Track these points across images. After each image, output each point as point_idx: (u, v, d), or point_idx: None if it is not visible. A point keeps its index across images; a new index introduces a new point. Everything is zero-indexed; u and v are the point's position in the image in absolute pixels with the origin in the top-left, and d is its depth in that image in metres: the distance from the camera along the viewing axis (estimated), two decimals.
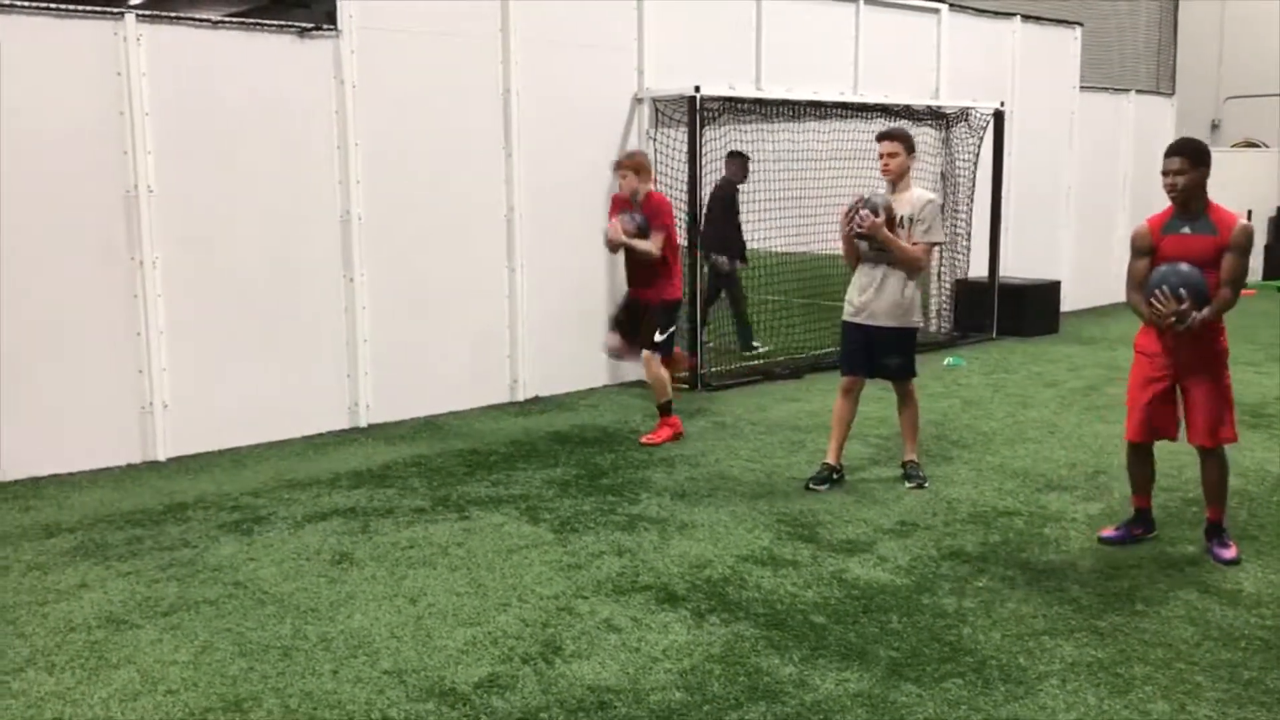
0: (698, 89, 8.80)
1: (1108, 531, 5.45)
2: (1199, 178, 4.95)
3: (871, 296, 6.24)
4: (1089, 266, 13.73)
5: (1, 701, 3.81)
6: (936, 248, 6.38)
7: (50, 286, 6.51)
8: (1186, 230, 4.99)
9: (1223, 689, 3.93)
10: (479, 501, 6.08)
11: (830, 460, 6.43)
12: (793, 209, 9.91)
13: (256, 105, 7.15)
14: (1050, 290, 12.32)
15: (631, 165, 7.26)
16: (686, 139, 8.96)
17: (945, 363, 10.23)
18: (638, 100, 9.13)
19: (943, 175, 11.46)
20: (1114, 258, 14.33)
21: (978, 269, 11.78)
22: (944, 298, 11.76)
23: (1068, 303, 12.92)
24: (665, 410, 7.40)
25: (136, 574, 5.00)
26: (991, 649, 4.24)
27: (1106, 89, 14.26)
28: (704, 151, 9.00)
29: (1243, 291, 5.04)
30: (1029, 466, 6.72)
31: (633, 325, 7.43)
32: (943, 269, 11.68)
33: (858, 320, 6.33)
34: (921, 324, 6.57)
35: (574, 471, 6.64)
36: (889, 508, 5.96)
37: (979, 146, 11.52)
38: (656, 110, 9.13)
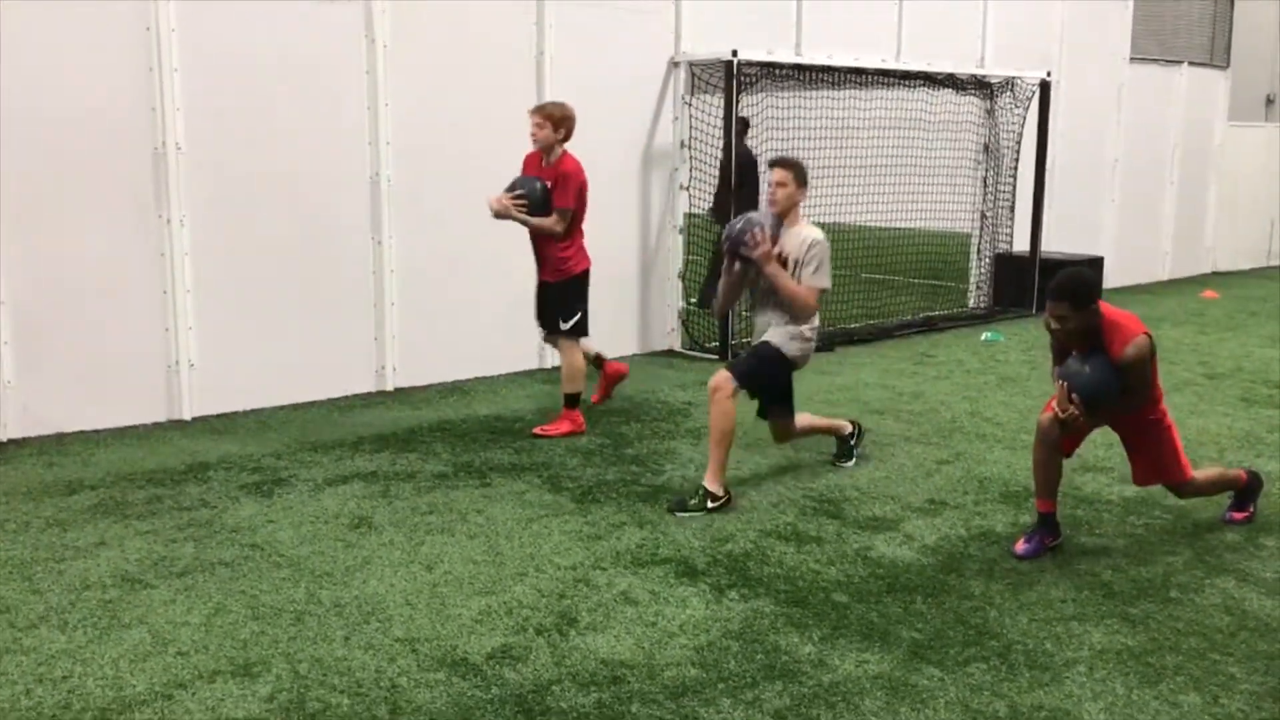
0: (735, 53, 8.63)
1: (1021, 545, 4.89)
2: (1085, 320, 4.56)
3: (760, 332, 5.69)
4: (1133, 243, 13.44)
5: (13, 658, 3.80)
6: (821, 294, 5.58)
7: (79, 243, 6.49)
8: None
9: (1258, 681, 3.79)
10: (501, 468, 6.02)
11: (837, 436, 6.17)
12: (829, 179, 9.73)
13: (287, 63, 7.07)
14: (1092, 266, 12.03)
15: (548, 114, 6.30)
16: (722, 105, 8.79)
17: (983, 337, 10.05)
18: (674, 64, 8.97)
19: (985, 147, 11.22)
20: (1160, 234, 14.04)
21: (1019, 243, 11.54)
22: (984, 271, 11.55)
23: (1110, 279, 12.61)
24: (571, 403, 6.63)
25: (154, 533, 4.98)
26: (1018, 633, 4.13)
27: (1158, 60, 13.89)
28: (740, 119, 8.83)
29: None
30: None
31: (543, 312, 6.69)
32: (983, 241, 11.46)
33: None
34: (798, 360, 5.66)
35: (598, 440, 6.55)
36: (918, 485, 5.84)
37: (1024, 117, 11.26)
38: (693, 75, 8.97)
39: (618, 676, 3.76)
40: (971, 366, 8.79)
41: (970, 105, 11.00)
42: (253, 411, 7.09)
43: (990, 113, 11.16)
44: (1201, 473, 5.13)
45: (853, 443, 6.17)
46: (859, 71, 9.79)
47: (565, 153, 6.35)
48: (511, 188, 6.31)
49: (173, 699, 3.55)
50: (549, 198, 6.28)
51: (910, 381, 8.17)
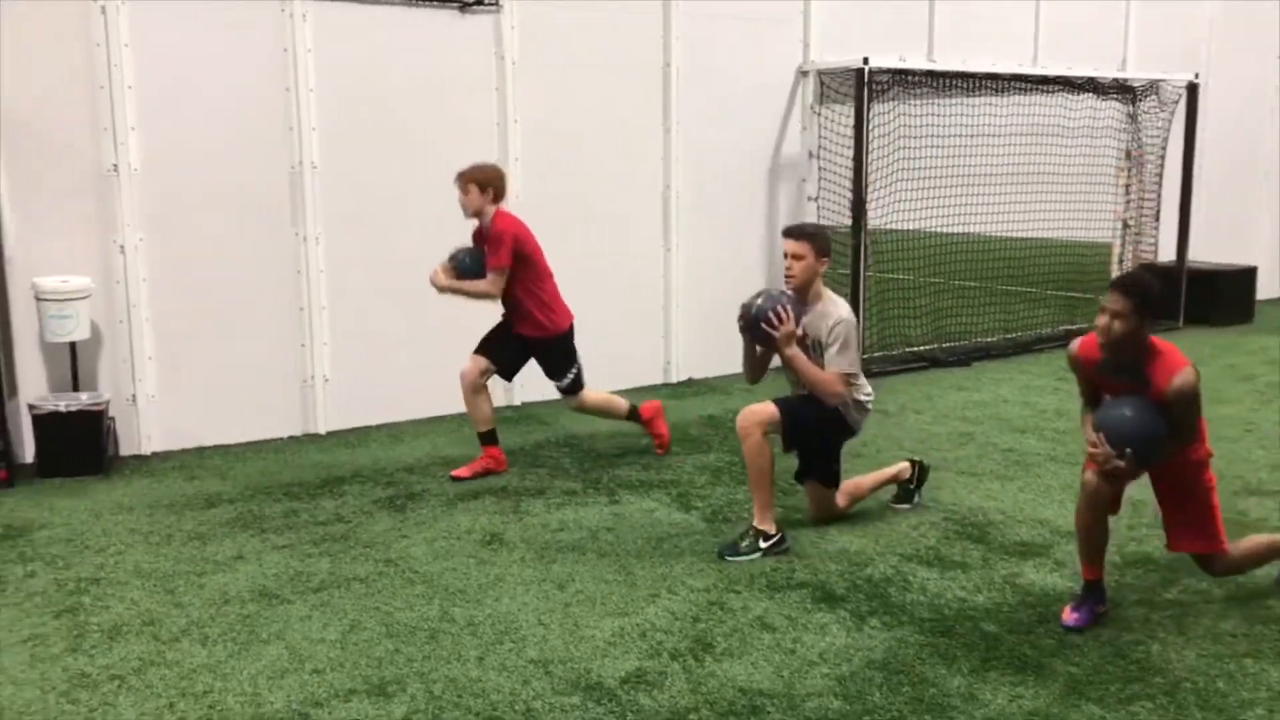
0: (866, 61, 8.43)
1: (1070, 616, 4.25)
2: (1138, 330, 3.95)
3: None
4: None
5: (157, 670, 3.84)
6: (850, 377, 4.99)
7: (219, 260, 6.65)
8: (1123, 378, 4.08)
9: None
10: (629, 485, 5.93)
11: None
12: (963, 189, 9.44)
13: (417, 82, 7.14)
14: (1245, 276, 11.43)
15: (474, 177, 5.78)
16: (853, 114, 8.60)
17: None
18: (802, 73, 8.82)
19: (1127, 153, 10.76)
20: None
21: (1165, 252, 11.02)
22: None
23: (1264, 290, 11.99)
24: (633, 415, 6.33)
25: (291, 548, 5.02)
26: (1185, 670, 3.85)
27: None
28: (871, 128, 8.62)
29: None
30: (1223, 468, 6.16)
31: (499, 347, 6.07)
32: (1125, 251, 10.98)
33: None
34: (855, 427, 5.17)
35: (727, 458, 6.42)
36: (1066, 508, 5.54)
37: (1169, 122, 10.75)
38: (821, 84, 8.79)
39: (757, 706, 3.62)
40: None
41: (1112, 110, 10.56)
42: (386, 425, 7.16)
43: (1133, 117, 10.70)
44: (1246, 543, 4.39)
45: (912, 485, 5.59)
46: (994, 77, 9.48)
47: (497, 212, 5.84)
48: (449, 257, 5.92)
49: (309, 717, 3.53)
50: (480, 262, 5.81)
51: (1053, 398, 7.82)
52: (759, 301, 4.98)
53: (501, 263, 5.75)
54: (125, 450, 6.51)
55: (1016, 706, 3.61)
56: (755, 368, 5.25)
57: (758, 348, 5.16)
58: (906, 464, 5.63)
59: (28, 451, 6.22)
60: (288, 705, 3.61)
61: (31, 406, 6.07)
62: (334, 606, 4.38)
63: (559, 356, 6.10)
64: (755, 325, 4.96)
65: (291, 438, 6.92)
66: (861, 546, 5.02)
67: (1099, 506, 4.18)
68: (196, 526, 5.31)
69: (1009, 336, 10.07)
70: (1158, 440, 3.99)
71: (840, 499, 5.33)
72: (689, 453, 6.54)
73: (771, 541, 4.95)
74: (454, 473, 6.06)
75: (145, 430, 6.55)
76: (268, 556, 4.91)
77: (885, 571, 4.74)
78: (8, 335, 6.16)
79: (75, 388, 6.27)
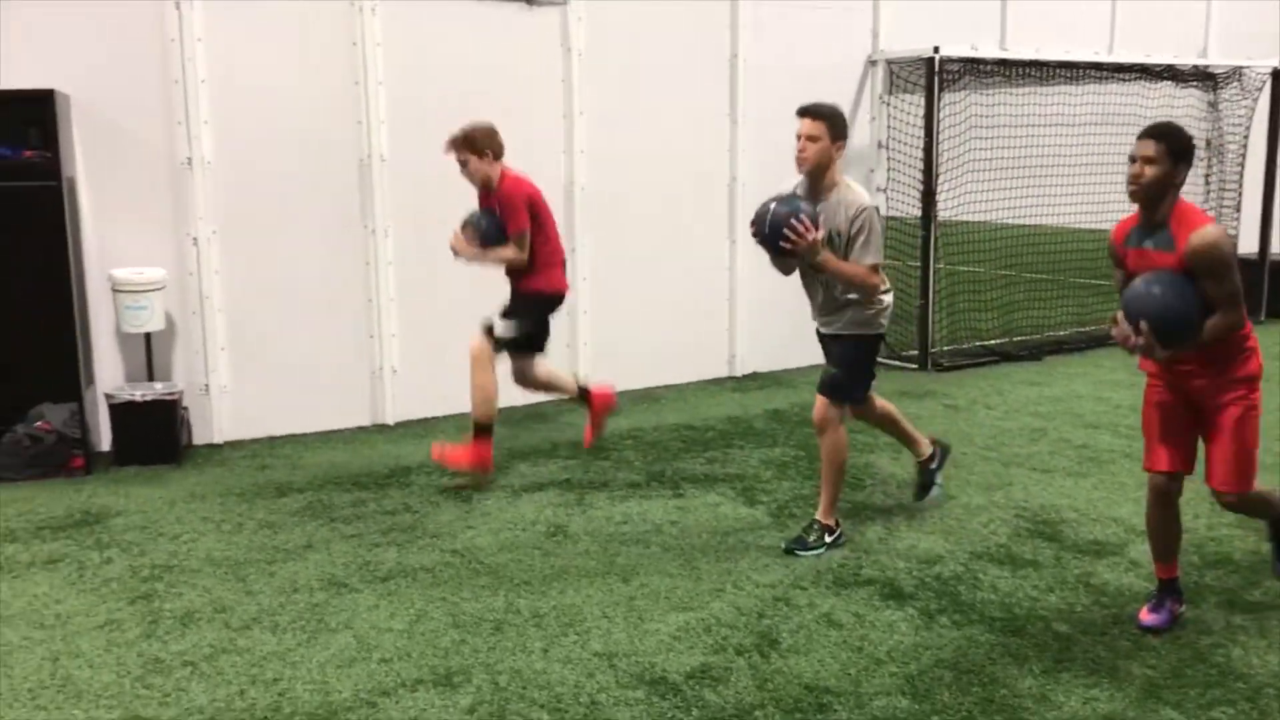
0: (936, 49, 8.30)
1: (1148, 616, 4.12)
2: (1171, 176, 3.82)
3: (822, 315, 4.91)
4: None
5: (228, 658, 3.90)
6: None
7: (290, 253, 6.73)
8: (1148, 245, 3.88)
9: None
10: (694, 479, 5.90)
11: (917, 461, 5.30)
12: (1035, 180, 9.25)
13: (484, 74, 7.16)
14: None
15: (465, 142, 5.49)
16: (923, 104, 8.46)
17: None
18: (871, 63, 8.70)
19: (1208, 142, 10.47)
20: None
21: (1246, 243, 10.71)
22: None
23: None
24: (481, 432, 5.70)
25: (359, 537, 5.07)
26: (1268, 675, 3.73)
27: None
28: (941, 118, 8.48)
29: None
30: None
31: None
32: None
33: (820, 330, 4.98)
34: (882, 330, 4.89)
35: (792, 452, 6.36)
36: (1142, 506, 5.36)
37: (1252, 110, 10.44)
38: (891, 73, 8.67)
39: (823, 704, 3.57)
40: None
41: (1191, 98, 10.28)
42: (453, 416, 7.19)
43: (1213, 105, 10.41)
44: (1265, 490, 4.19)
45: (934, 465, 5.28)
46: (1069, 65, 9.27)
47: (503, 172, 5.58)
48: (465, 223, 5.68)
49: (376, 707, 3.56)
50: (500, 227, 5.57)
51: (1128, 394, 7.63)
52: (773, 208, 4.59)
53: (521, 227, 5.52)
54: (198, 439, 6.63)
55: (1091, 709, 3.53)
56: (786, 265, 4.89)
57: (781, 260, 4.81)
58: (927, 441, 5.32)
59: (104, 440, 6.36)
60: (355, 694, 3.64)
61: (108, 396, 6.21)
62: (401, 596, 4.41)
63: (527, 308, 5.69)
64: (773, 242, 4.59)
65: (360, 428, 7.00)
66: (931, 544, 4.94)
67: (1166, 502, 4.08)
68: (267, 515, 5.38)
69: (1082, 330, 9.87)
70: (1178, 314, 3.73)
71: (879, 408, 5.12)
72: (755, 446, 6.49)
73: (835, 536, 4.91)
74: (435, 446, 5.80)
75: (218, 420, 6.66)
76: (336, 546, 4.96)
77: (955, 569, 4.66)
78: (85, 326, 6.29)
79: (150, 378, 6.40)
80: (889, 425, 5.25)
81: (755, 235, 4.70)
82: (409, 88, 6.91)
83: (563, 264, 5.83)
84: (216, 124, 6.44)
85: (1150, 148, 3.84)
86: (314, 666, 3.83)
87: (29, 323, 6.08)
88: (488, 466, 5.73)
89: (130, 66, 6.25)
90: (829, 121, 4.62)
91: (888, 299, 4.86)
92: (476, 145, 5.52)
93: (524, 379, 5.94)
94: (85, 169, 6.24)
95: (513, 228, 5.54)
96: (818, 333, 5.00)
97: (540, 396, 6.73)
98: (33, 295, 6.05)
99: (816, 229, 4.54)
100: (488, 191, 5.66)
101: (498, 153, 5.60)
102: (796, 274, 4.96)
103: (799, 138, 4.63)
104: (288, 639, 4.04)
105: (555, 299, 5.78)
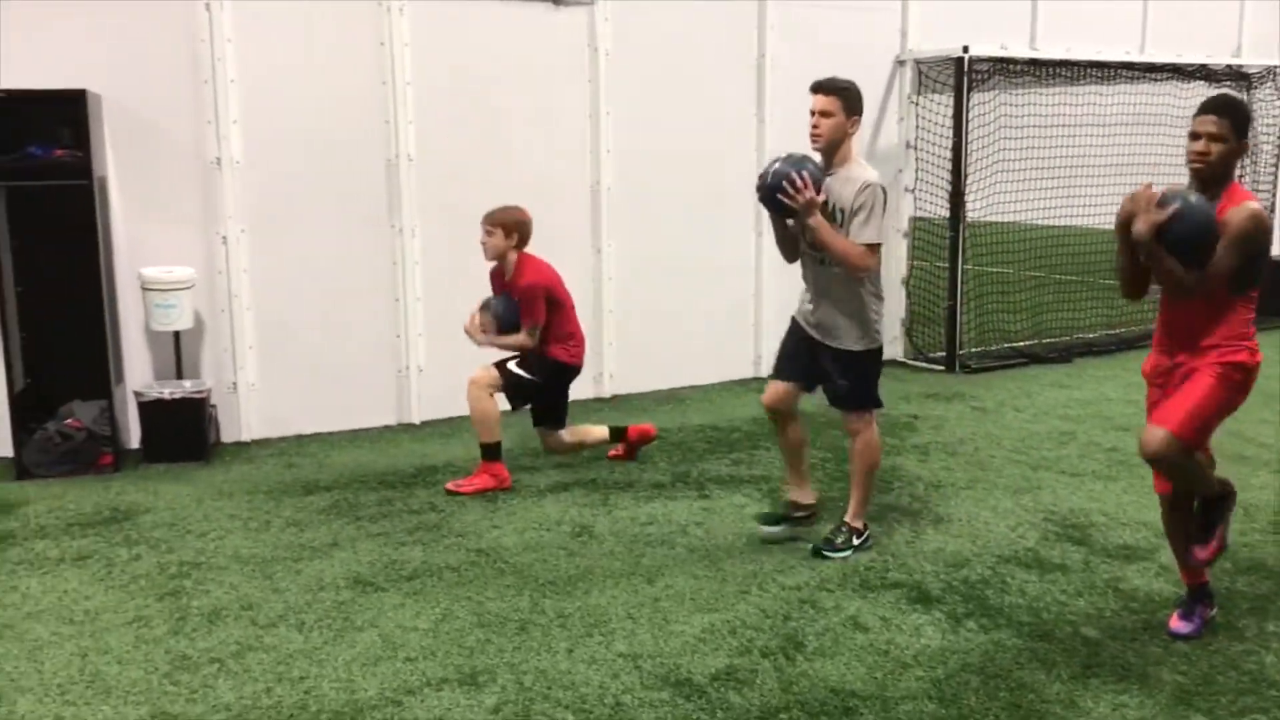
0: (966, 49, 8.24)
1: (1179, 624, 4.09)
2: (1235, 151, 3.76)
3: (815, 309, 4.78)
4: None
5: (255, 655, 3.92)
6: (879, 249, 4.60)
7: (318, 252, 6.76)
8: None
9: None
10: (719, 480, 5.89)
11: (791, 497, 5.15)
12: (1065, 181, 9.18)
13: (512, 74, 7.17)
14: None
15: (498, 221, 5.67)
16: (952, 104, 8.41)
17: None
18: (899, 62, 8.65)
19: None
20: None
21: None
22: None
23: None
24: (489, 454, 5.79)
25: (385, 535, 5.09)
26: None
27: None
28: (970, 118, 8.43)
29: None
30: None
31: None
32: None
33: (804, 329, 4.86)
34: (881, 344, 4.81)
35: (818, 454, 6.33)
36: None
37: None
38: (920, 73, 8.63)
39: (850, 708, 3.55)
40: None
41: None
42: None
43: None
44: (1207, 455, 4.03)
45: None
46: (1100, 65, 9.19)
47: (522, 259, 5.72)
48: (484, 307, 5.77)
49: (402, 705, 3.57)
50: (516, 313, 5.67)
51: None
52: (776, 166, 4.53)
53: (537, 320, 5.66)
54: (226, 437, 6.67)
55: (1120, 716, 3.49)
56: (790, 247, 4.80)
57: (788, 221, 4.69)
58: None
59: (134, 437, 6.40)
60: (381, 693, 3.65)
61: (137, 394, 6.25)
62: (426, 595, 4.42)
63: (543, 367, 5.76)
64: (772, 195, 4.52)
65: (387, 427, 7.02)
66: (958, 547, 4.91)
67: (1175, 507, 4.04)
68: (294, 513, 5.41)
69: (1112, 332, 9.78)
70: (1204, 232, 3.65)
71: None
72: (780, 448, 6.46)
73: (864, 538, 4.88)
74: (449, 485, 5.78)
75: (245, 418, 6.70)
76: (362, 544, 4.98)
77: (982, 573, 4.62)
78: (115, 324, 6.34)
79: (179, 375, 6.44)
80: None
81: (758, 190, 4.65)
82: (437, 88, 6.93)
83: (582, 341, 5.92)
84: (245, 123, 6.48)
85: (1217, 124, 3.74)
86: (340, 665, 3.85)
87: (59, 320, 6.13)
88: (505, 482, 5.78)
89: (160, 67, 6.29)
90: (842, 96, 4.55)
91: (877, 312, 4.73)
92: (507, 226, 5.70)
93: (553, 448, 6.08)
94: (116, 168, 6.29)
95: (528, 320, 5.66)
96: (793, 319, 4.88)
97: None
98: (63, 293, 6.11)
99: (819, 192, 4.48)
100: (501, 269, 5.81)
101: (524, 240, 5.75)
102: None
103: (813, 114, 4.58)
104: (314, 637, 4.06)
105: (572, 370, 5.89)
